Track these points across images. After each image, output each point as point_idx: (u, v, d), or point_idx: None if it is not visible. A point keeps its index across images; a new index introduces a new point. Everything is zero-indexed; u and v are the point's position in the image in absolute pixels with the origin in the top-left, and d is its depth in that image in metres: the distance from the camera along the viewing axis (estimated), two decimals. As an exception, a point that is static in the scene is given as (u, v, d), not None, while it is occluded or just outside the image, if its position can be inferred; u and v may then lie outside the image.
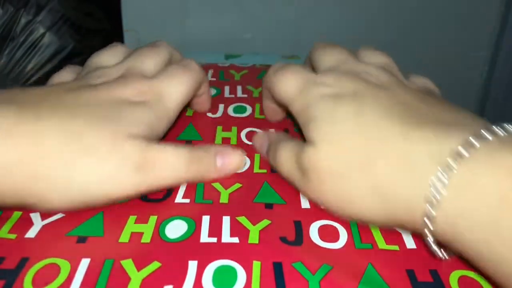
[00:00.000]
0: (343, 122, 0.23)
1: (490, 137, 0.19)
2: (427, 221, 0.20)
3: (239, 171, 0.29)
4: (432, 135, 0.20)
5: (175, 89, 0.29)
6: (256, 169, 0.30)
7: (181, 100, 0.29)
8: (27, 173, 0.23)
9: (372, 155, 0.22)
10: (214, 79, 0.45)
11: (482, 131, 0.19)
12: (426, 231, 0.20)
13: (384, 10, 0.66)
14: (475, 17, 0.68)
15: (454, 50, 0.71)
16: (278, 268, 0.22)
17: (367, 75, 0.26)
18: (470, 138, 0.19)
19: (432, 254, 0.22)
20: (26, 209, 0.25)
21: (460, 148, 0.19)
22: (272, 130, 0.32)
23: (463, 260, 0.22)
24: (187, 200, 0.27)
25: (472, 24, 0.69)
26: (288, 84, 0.27)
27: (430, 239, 0.20)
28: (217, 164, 0.28)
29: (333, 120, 0.24)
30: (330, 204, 0.24)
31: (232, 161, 0.28)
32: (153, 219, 0.25)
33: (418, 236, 0.24)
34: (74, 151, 0.23)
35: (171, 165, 0.26)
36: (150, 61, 0.30)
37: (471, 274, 0.22)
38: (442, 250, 0.21)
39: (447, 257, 0.22)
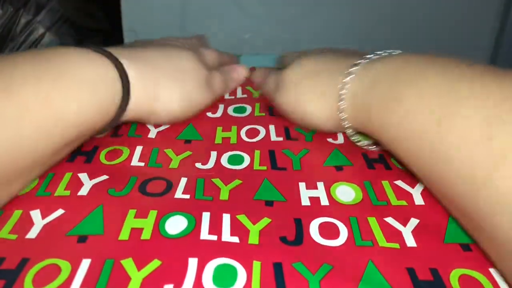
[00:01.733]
0: (307, 58, 0.34)
1: (372, 57, 0.30)
2: (340, 103, 0.30)
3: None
4: (349, 59, 0.31)
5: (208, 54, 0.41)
6: (256, 166, 0.30)
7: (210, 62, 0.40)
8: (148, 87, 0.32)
9: (318, 71, 0.32)
10: None
11: (376, 52, 0.30)
12: (341, 114, 0.30)
13: (384, 9, 0.66)
14: (474, 17, 0.68)
15: (453, 49, 0.70)
16: (278, 268, 0.22)
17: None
18: (366, 56, 0.30)
19: (360, 148, 0.32)
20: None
21: (360, 60, 0.30)
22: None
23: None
24: (187, 196, 0.27)
25: (471, 24, 0.69)
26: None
27: (346, 123, 0.30)
28: (234, 76, 0.42)
29: (300, 58, 0.35)
30: (288, 106, 0.34)
31: (242, 70, 0.42)
32: (153, 213, 0.25)
33: (419, 235, 0.24)
34: (176, 70, 0.34)
35: (219, 84, 0.38)
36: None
37: (471, 272, 0.22)
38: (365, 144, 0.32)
39: (374, 148, 0.32)
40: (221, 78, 0.39)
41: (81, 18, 0.55)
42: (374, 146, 0.32)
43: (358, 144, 0.32)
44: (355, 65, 0.30)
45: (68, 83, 0.26)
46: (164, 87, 0.32)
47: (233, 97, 0.40)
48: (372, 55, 0.30)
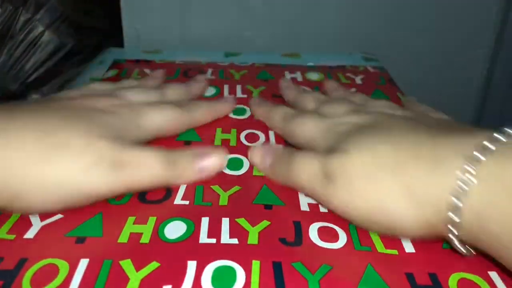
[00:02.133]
0: (372, 135, 0.25)
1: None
2: (452, 215, 0.20)
3: (225, 171, 0.29)
4: (457, 135, 0.21)
5: (156, 115, 0.30)
6: (256, 172, 0.30)
7: (156, 126, 0.30)
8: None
9: (402, 158, 0.22)
10: (214, 77, 0.45)
11: (505, 129, 0.20)
12: (451, 227, 0.20)
13: (384, 9, 0.66)
14: (474, 17, 0.68)
15: (453, 49, 0.70)
16: (277, 268, 0.22)
17: (382, 111, 0.29)
18: (494, 134, 0.20)
19: (457, 252, 0.22)
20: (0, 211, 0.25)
21: (486, 143, 0.19)
22: (272, 142, 0.31)
23: (488, 258, 0.21)
24: (186, 202, 0.27)
25: (472, 22, 0.68)
26: (309, 129, 0.30)
27: (455, 232, 0.20)
28: (196, 166, 0.27)
29: (362, 134, 0.25)
30: (359, 210, 0.23)
31: (212, 162, 0.28)
32: (152, 220, 0.25)
33: (417, 241, 0.24)
34: (48, 146, 0.23)
35: (147, 165, 0.25)
36: (137, 95, 0.32)
37: (470, 276, 0.22)
38: (466, 246, 0.21)
39: (473, 253, 0.22)
40: (165, 161, 0.26)
41: (81, 17, 0.55)
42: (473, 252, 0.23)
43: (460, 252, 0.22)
44: (481, 150, 0.19)
45: None
46: (17, 169, 0.23)
47: (232, 96, 0.40)
48: (502, 134, 0.19)
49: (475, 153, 0.19)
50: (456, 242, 0.21)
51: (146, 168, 0.25)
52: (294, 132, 0.31)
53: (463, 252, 0.22)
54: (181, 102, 0.33)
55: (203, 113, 0.33)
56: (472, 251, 0.22)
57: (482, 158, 0.19)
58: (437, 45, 0.70)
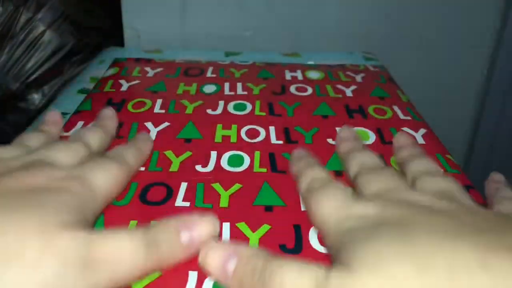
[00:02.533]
0: (391, 242, 0.17)
1: None
2: None
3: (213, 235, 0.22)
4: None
5: (100, 177, 0.24)
6: (256, 168, 0.30)
7: (105, 191, 0.24)
8: None
9: (431, 283, 0.15)
10: (214, 75, 0.45)
11: None
12: None
13: (384, 9, 0.66)
14: (474, 17, 0.68)
15: (453, 49, 0.70)
16: None
17: (420, 203, 0.21)
18: None
19: None
20: None
21: None
22: (243, 244, 0.21)
23: None
24: (187, 204, 0.27)
25: (472, 21, 0.69)
26: (326, 209, 0.22)
27: None
28: (183, 240, 0.20)
29: (372, 241, 0.18)
30: None
31: (202, 231, 0.21)
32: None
33: None
34: None
35: (127, 257, 0.19)
36: (62, 154, 0.25)
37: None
38: None
39: None
40: (140, 245, 0.19)
41: (81, 16, 0.55)
42: None
43: None
44: None
45: None
46: None
47: (233, 93, 0.40)
48: None
49: None
50: None
51: (125, 261, 0.19)
52: (311, 208, 0.24)
53: None
54: (113, 151, 0.28)
55: (135, 158, 0.28)
56: None
57: None
58: (437, 45, 0.70)
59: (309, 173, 0.26)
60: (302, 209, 0.26)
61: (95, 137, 0.29)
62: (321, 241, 0.24)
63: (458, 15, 0.67)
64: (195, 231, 0.21)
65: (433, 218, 0.19)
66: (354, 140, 0.31)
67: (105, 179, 0.24)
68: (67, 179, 0.22)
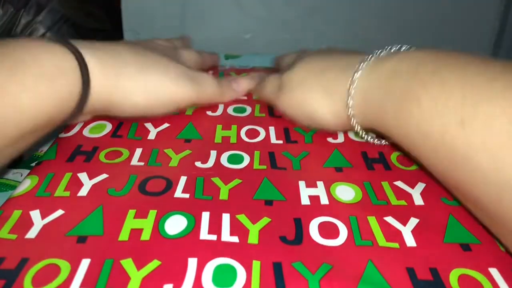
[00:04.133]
0: (313, 56, 0.34)
1: (383, 52, 0.29)
2: (348, 99, 0.29)
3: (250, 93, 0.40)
4: (360, 54, 0.30)
5: (187, 53, 0.41)
6: (256, 165, 0.30)
7: (190, 62, 0.40)
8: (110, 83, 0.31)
9: (325, 67, 0.32)
10: None
11: (377, 51, 0.29)
12: (349, 110, 0.29)
13: (384, 10, 0.66)
14: (474, 17, 0.68)
15: (454, 48, 0.70)
16: (277, 268, 0.22)
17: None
18: (374, 53, 0.29)
19: (371, 144, 0.32)
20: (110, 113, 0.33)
21: (368, 56, 0.29)
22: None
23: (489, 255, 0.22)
24: (186, 195, 0.27)
25: (471, 24, 0.69)
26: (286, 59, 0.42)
27: (352, 113, 0.29)
28: (234, 87, 0.39)
29: (308, 56, 0.34)
30: (294, 107, 0.33)
31: (244, 83, 0.40)
32: (152, 213, 0.25)
33: (419, 234, 0.24)
34: (144, 62, 0.32)
35: (208, 83, 0.36)
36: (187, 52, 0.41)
37: (471, 272, 0.22)
38: (374, 138, 0.32)
39: (381, 143, 0.32)
40: (216, 83, 0.37)
41: (82, 18, 0.55)
42: (384, 141, 0.32)
43: (369, 140, 0.32)
44: (365, 60, 0.29)
45: (24, 74, 0.26)
46: (126, 78, 0.31)
47: (245, 98, 0.41)
48: (381, 50, 0.29)
49: (363, 63, 0.28)
50: (358, 127, 0.30)
51: (208, 85, 0.36)
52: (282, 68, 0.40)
53: (367, 138, 0.31)
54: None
55: (207, 58, 0.45)
56: (374, 138, 0.32)
57: (366, 63, 0.28)
58: (437, 45, 0.70)
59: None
60: (303, 203, 0.26)
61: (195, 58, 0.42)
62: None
63: (458, 15, 0.67)
64: (240, 83, 0.40)
65: (330, 51, 0.37)
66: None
67: (189, 56, 0.41)
68: (172, 48, 0.40)
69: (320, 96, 0.31)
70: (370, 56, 0.29)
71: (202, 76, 0.36)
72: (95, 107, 0.31)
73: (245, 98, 0.40)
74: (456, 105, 0.22)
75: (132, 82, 0.31)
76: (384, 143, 0.32)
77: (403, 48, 0.29)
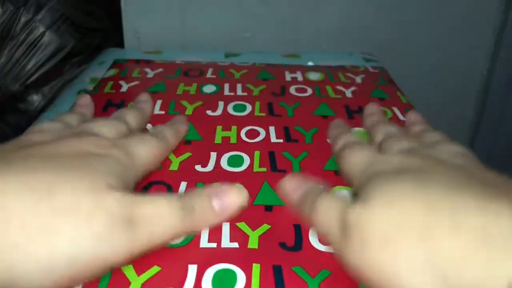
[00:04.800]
0: (404, 183, 0.20)
1: None
2: None
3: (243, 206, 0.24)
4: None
5: (142, 149, 0.26)
6: (256, 168, 0.30)
7: (145, 161, 0.26)
8: None
9: (435, 223, 0.18)
10: (214, 76, 0.45)
11: None
12: None
13: (384, 9, 0.66)
14: (474, 17, 0.68)
15: (453, 49, 0.70)
16: (277, 271, 0.22)
17: (439, 158, 0.24)
18: None
19: None
20: None
21: None
22: (310, 179, 0.26)
23: None
24: None
25: (472, 21, 0.69)
26: (354, 161, 0.26)
27: None
28: (215, 207, 0.23)
29: (393, 180, 0.21)
30: (370, 274, 0.19)
31: (233, 199, 0.24)
32: None
33: None
34: (51, 212, 0.19)
35: (164, 217, 0.22)
36: (105, 128, 0.27)
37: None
38: None
39: None
40: (178, 208, 0.22)
41: (81, 17, 0.55)
42: None
43: None
44: None
45: None
46: (16, 251, 0.18)
47: (233, 93, 0.40)
48: None
49: None
50: None
51: (163, 222, 0.22)
52: (343, 161, 0.28)
53: None
54: (156, 129, 0.31)
55: (172, 136, 0.31)
56: None
57: None
58: (437, 45, 0.70)
59: (344, 136, 0.30)
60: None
61: (133, 116, 0.31)
62: (322, 240, 0.24)
63: (458, 15, 0.67)
64: (226, 199, 0.24)
65: (448, 170, 0.22)
66: (379, 114, 0.35)
67: (145, 150, 0.27)
68: (112, 147, 0.25)
69: (421, 276, 0.18)
70: None
71: (152, 205, 0.22)
72: None
73: (245, 94, 0.40)
74: None
75: (27, 253, 0.18)
76: None
77: None
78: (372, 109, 0.35)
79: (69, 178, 0.20)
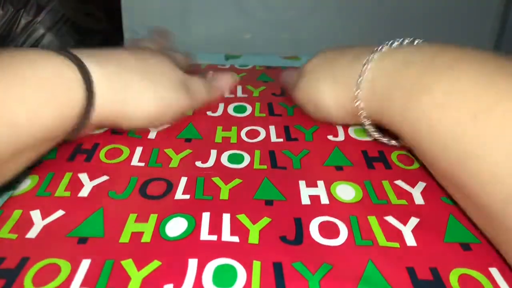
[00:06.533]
0: (328, 48, 0.34)
1: (394, 43, 0.29)
2: (355, 89, 0.28)
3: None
4: (371, 46, 0.29)
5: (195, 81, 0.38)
6: (256, 165, 0.30)
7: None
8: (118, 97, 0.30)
9: (335, 57, 0.32)
10: None
11: (389, 42, 0.29)
12: (357, 102, 0.28)
13: (384, 10, 0.66)
14: (474, 17, 0.68)
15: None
16: (278, 268, 0.22)
17: None
18: (384, 45, 0.29)
19: (379, 142, 0.31)
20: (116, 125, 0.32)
21: (377, 48, 0.29)
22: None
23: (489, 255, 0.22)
24: (187, 196, 0.27)
25: (472, 22, 0.69)
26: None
27: (360, 105, 0.29)
28: (217, 85, 0.40)
29: (320, 50, 0.35)
30: (304, 93, 0.33)
31: (223, 80, 0.40)
32: (153, 217, 0.25)
33: (419, 234, 0.24)
34: (148, 72, 0.32)
35: (200, 90, 0.36)
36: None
37: (471, 272, 0.22)
38: (384, 136, 0.30)
39: (390, 143, 0.30)
40: (203, 85, 0.37)
41: (82, 19, 0.55)
42: (393, 141, 0.31)
43: (376, 138, 0.31)
44: (376, 51, 0.28)
45: (23, 86, 0.24)
46: (135, 90, 0.30)
47: (233, 95, 0.40)
48: (393, 41, 0.29)
49: (374, 53, 0.28)
50: (366, 123, 0.29)
51: (199, 91, 0.36)
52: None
53: (376, 135, 0.30)
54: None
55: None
56: (382, 136, 0.30)
57: (377, 54, 0.28)
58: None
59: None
60: (303, 203, 0.26)
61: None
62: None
63: (458, 15, 0.67)
64: (220, 82, 0.40)
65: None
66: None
67: (197, 84, 0.37)
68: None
69: (328, 85, 0.31)
70: (381, 46, 0.28)
71: (194, 81, 0.36)
72: (102, 121, 0.30)
73: (246, 96, 0.40)
74: (470, 99, 0.21)
75: (142, 93, 0.30)
76: (392, 143, 0.31)
77: (416, 41, 0.28)
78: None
79: (155, 56, 0.33)
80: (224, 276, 0.21)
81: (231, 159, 0.31)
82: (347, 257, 0.23)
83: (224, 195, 0.27)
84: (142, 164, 0.30)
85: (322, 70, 0.32)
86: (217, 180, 0.28)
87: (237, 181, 0.28)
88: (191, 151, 0.31)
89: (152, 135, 0.33)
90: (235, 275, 0.21)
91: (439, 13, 0.67)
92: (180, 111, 0.34)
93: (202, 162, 0.30)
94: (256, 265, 0.22)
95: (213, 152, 0.31)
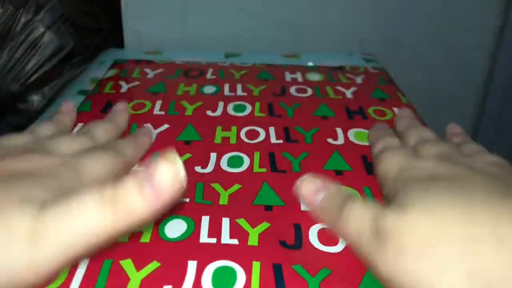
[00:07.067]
0: (441, 191, 0.20)
1: None
2: None
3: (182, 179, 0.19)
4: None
5: (91, 165, 0.24)
6: (256, 169, 0.30)
7: (96, 175, 0.24)
8: None
9: (477, 235, 0.17)
10: (214, 77, 0.45)
11: None
12: None
13: (384, 10, 0.66)
14: (474, 17, 0.68)
15: (454, 49, 0.70)
16: (277, 270, 0.22)
17: (473, 165, 0.23)
18: None
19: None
20: None
21: None
22: (330, 182, 0.24)
23: None
24: (186, 200, 0.27)
25: (472, 21, 0.68)
26: (388, 165, 0.26)
27: None
28: (147, 190, 0.18)
29: (430, 188, 0.21)
30: (405, 284, 0.18)
31: (163, 177, 0.18)
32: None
33: None
34: None
35: (91, 219, 0.18)
36: (64, 146, 0.26)
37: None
38: None
39: None
40: (97, 202, 0.18)
41: (81, 18, 0.55)
42: None
43: None
44: None
45: None
46: None
47: (233, 94, 0.40)
48: None
49: None
50: None
51: (88, 226, 0.17)
52: (379, 164, 0.27)
53: None
54: (110, 142, 0.30)
55: (132, 150, 0.29)
56: None
57: None
58: (437, 45, 0.70)
59: (383, 140, 0.30)
60: (302, 208, 0.26)
61: (102, 131, 0.30)
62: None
63: (458, 15, 0.67)
64: (159, 177, 0.18)
65: (484, 178, 0.21)
66: (412, 118, 0.34)
67: (95, 165, 0.24)
68: (55, 165, 0.23)
69: (462, 282, 0.17)
70: None
71: (59, 215, 0.18)
72: None
73: (245, 94, 0.40)
74: None
75: None
76: None
77: None
78: (404, 113, 0.35)
79: None
80: (224, 278, 0.21)
81: (231, 162, 0.30)
82: (346, 263, 0.23)
83: (223, 200, 0.27)
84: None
85: (448, 257, 0.18)
86: (216, 186, 0.28)
87: (236, 186, 0.28)
88: (190, 155, 0.31)
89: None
90: (234, 276, 0.21)
91: (439, 14, 0.67)
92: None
93: (201, 167, 0.30)
94: (256, 266, 0.22)
95: (213, 156, 0.31)
